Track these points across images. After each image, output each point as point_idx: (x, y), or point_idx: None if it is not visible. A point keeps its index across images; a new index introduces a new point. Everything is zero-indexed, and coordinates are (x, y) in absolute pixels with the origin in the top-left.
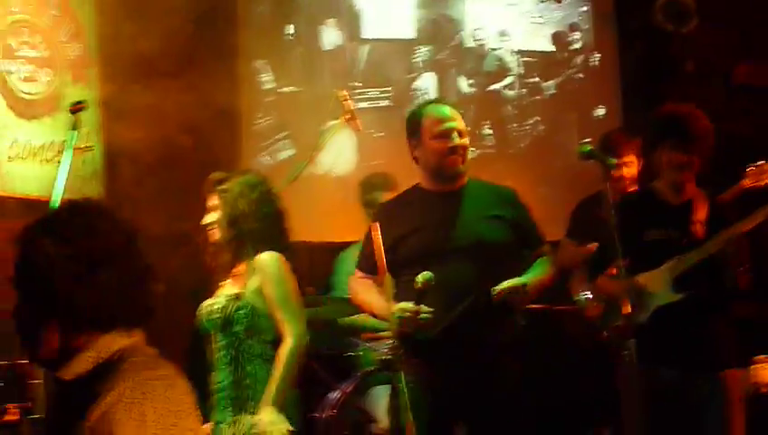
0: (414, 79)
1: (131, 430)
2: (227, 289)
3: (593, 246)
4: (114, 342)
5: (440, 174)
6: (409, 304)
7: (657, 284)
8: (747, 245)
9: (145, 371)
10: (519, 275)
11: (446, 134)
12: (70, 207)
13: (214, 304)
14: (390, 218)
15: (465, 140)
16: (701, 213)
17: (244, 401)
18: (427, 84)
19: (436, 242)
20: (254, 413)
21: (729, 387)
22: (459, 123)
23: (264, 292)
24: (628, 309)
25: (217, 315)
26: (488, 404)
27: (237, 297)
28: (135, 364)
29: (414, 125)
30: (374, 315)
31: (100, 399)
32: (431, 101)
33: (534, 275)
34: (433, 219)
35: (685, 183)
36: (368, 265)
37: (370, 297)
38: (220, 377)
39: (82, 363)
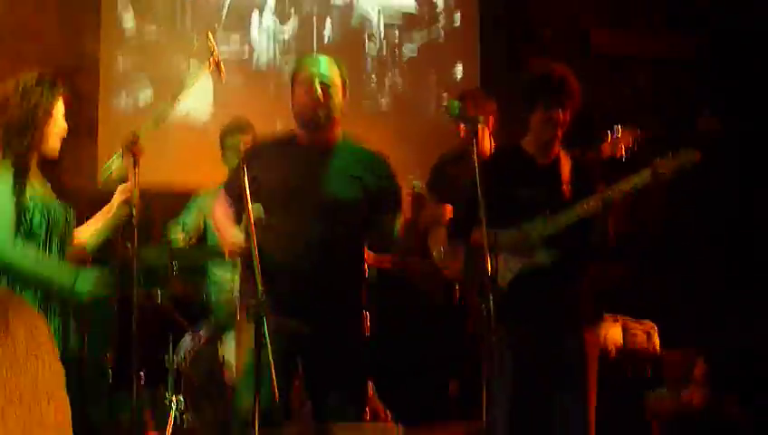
0: (275, 27)
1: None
2: None
3: (449, 207)
4: None
5: (301, 121)
6: (241, 236)
7: (526, 243)
8: (616, 206)
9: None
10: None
11: (308, 80)
12: None
13: None
14: (260, 163)
15: (331, 91)
16: (566, 172)
17: None
18: (285, 34)
19: (294, 195)
20: None
21: (588, 345)
22: (328, 73)
23: None
24: (488, 266)
25: None
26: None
27: None
28: None
29: (291, 75)
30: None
31: None
32: (310, 56)
33: None
34: (297, 173)
35: (554, 142)
36: (233, 193)
37: (222, 222)
38: None
39: None
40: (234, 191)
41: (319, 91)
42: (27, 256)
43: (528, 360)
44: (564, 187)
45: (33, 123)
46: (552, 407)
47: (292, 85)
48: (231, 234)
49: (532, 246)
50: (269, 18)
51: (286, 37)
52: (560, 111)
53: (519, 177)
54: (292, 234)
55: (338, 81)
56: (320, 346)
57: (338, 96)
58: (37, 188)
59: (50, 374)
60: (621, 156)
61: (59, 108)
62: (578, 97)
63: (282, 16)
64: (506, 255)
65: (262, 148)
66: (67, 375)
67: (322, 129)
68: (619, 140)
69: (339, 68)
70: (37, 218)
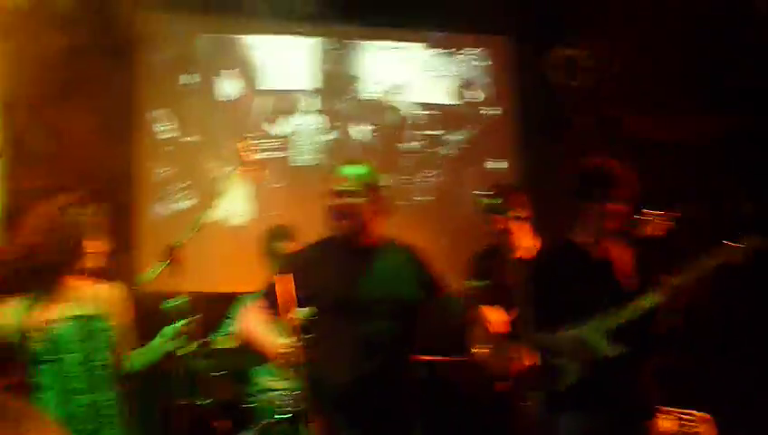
0: (312, 130)
1: None
2: None
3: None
4: None
5: (336, 229)
6: (291, 339)
7: (586, 346)
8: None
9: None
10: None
11: (336, 194)
12: None
13: None
14: (304, 268)
15: (355, 201)
16: (627, 266)
17: None
18: (323, 136)
19: (351, 296)
20: None
21: None
22: (354, 184)
23: None
24: (534, 360)
25: None
26: None
27: None
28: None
29: (329, 183)
30: (256, 348)
31: None
32: (345, 163)
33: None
34: (348, 274)
35: (607, 235)
36: (270, 307)
37: (259, 330)
38: None
39: None
40: (272, 298)
41: (340, 201)
42: None
43: None
44: (625, 280)
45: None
46: None
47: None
48: (273, 340)
49: (593, 349)
50: (306, 121)
51: (323, 139)
52: (610, 203)
53: (573, 272)
54: (347, 337)
55: (361, 186)
56: None
57: (362, 203)
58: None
59: None
60: (656, 236)
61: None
62: (631, 188)
63: (319, 119)
64: (574, 352)
65: (305, 252)
66: None
67: (357, 234)
68: (649, 221)
69: (365, 174)
70: None
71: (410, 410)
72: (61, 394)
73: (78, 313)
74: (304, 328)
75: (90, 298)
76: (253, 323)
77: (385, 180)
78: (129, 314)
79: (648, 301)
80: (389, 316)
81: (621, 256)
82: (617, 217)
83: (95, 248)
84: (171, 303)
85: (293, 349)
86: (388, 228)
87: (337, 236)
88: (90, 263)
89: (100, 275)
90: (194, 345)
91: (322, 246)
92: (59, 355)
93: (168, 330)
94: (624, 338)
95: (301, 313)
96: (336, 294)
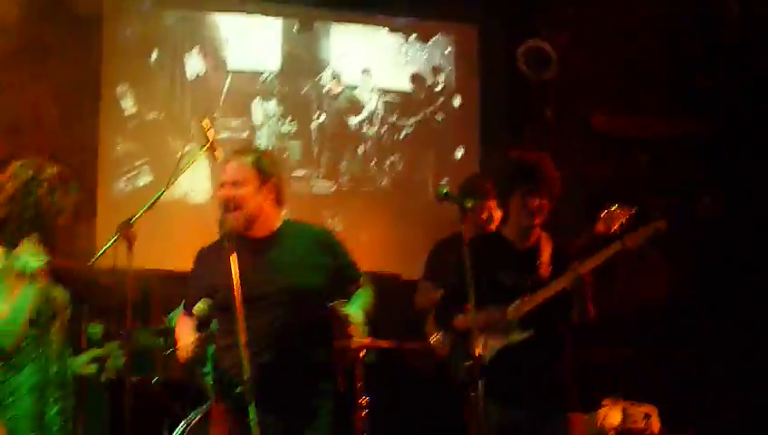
0: (273, 112)
1: None
2: None
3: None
4: None
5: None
6: (193, 334)
7: (502, 323)
8: (592, 282)
9: None
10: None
11: (222, 186)
12: None
13: None
14: (206, 263)
15: (238, 192)
16: (546, 255)
17: None
18: (283, 118)
19: (247, 290)
20: None
21: (574, 429)
22: (237, 174)
23: None
24: (478, 349)
25: None
26: None
27: None
28: None
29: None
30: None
31: None
32: (233, 150)
33: (357, 305)
34: (244, 267)
35: (533, 228)
36: (190, 301)
37: (179, 328)
38: None
39: None
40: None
41: (220, 193)
42: None
43: None
44: (543, 269)
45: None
46: None
47: None
48: (184, 338)
49: (509, 327)
50: (267, 103)
51: (284, 121)
52: (537, 199)
53: (498, 261)
54: (256, 330)
55: (245, 175)
56: None
57: (248, 193)
58: None
59: None
60: (616, 232)
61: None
62: (555, 183)
63: (280, 101)
64: (485, 335)
65: (209, 249)
66: None
67: (247, 225)
68: (612, 217)
69: (254, 162)
70: None
71: (320, 396)
72: None
73: None
74: (202, 322)
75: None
76: (180, 321)
77: (276, 165)
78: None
79: (553, 286)
80: (286, 306)
81: (544, 248)
82: (538, 211)
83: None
84: (198, 307)
85: (192, 344)
86: (347, 215)
87: (224, 227)
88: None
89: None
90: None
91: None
92: None
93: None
94: (536, 324)
95: (197, 307)
96: (229, 287)
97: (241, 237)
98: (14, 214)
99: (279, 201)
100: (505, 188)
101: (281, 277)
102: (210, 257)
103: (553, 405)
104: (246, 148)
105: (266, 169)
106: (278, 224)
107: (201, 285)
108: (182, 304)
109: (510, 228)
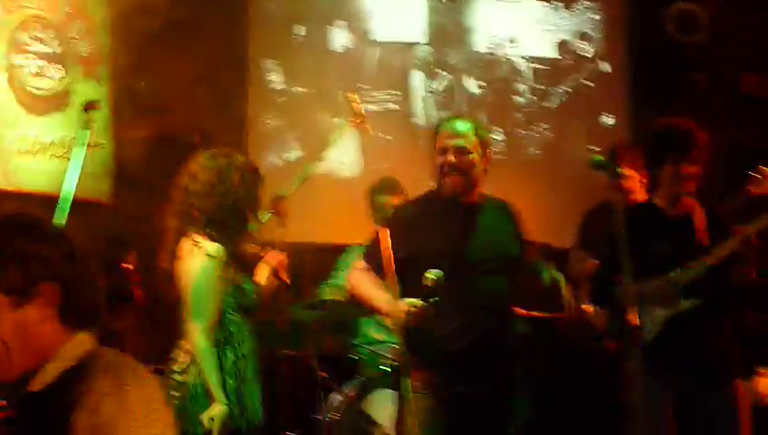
0: (423, 83)
1: (123, 422)
2: None
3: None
4: (78, 346)
5: (441, 186)
6: (418, 301)
7: (668, 294)
8: (756, 245)
9: (118, 367)
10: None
11: (444, 150)
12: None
13: None
14: (410, 224)
15: (466, 158)
16: (699, 222)
17: None
18: (433, 88)
19: (463, 255)
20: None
21: (739, 399)
22: (463, 141)
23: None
24: (635, 320)
25: None
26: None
27: None
28: (107, 363)
29: (434, 138)
30: (372, 309)
31: (83, 400)
32: (449, 118)
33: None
34: (451, 231)
35: (684, 195)
36: (374, 264)
37: (373, 291)
38: None
39: (50, 372)
40: (373, 263)
41: (450, 159)
42: None
43: (677, 414)
44: (699, 236)
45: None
46: None
47: (434, 149)
48: (386, 300)
49: (675, 296)
50: (418, 74)
51: (435, 92)
52: (685, 166)
53: (652, 231)
54: (451, 294)
55: (473, 145)
56: (480, 414)
57: (475, 159)
58: None
59: None
60: (766, 193)
61: None
62: (705, 150)
63: (430, 72)
64: (650, 307)
65: (408, 207)
66: None
67: (466, 191)
68: (765, 177)
69: (476, 130)
70: None
71: (514, 366)
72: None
73: None
74: (433, 290)
75: None
76: (363, 285)
77: (492, 135)
78: None
79: (721, 250)
80: (497, 274)
81: (697, 214)
82: (690, 178)
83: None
84: (430, 275)
85: (419, 309)
86: (498, 184)
87: (442, 192)
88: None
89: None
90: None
91: (426, 203)
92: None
93: None
94: (700, 291)
95: (432, 273)
96: (443, 252)
97: (450, 202)
98: (217, 202)
99: (487, 169)
100: (656, 155)
101: (493, 244)
102: (411, 217)
103: (721, 374)
104: (465, 115)
105: (485, 137)
106: (481, 193)
107: (412, 248)
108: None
109: (660, 196)
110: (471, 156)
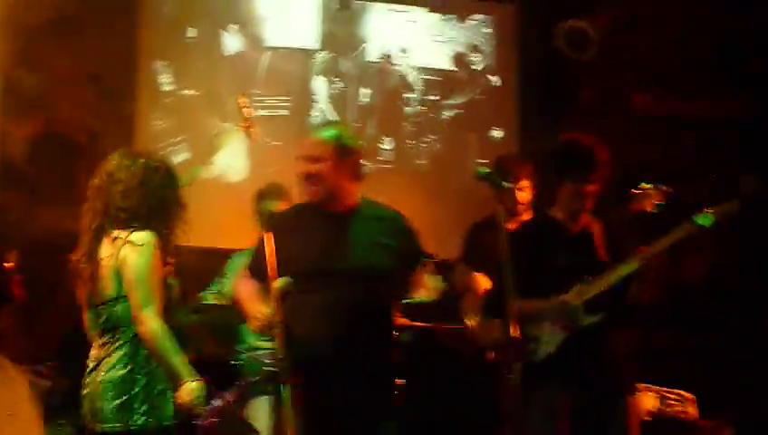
0: (313, 89)
1: None
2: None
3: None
4: None
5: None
6: (266, 308)
7: (569, 312)
8: (655, 265)
9: None
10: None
11: (302, 159)
12: None
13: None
14: (281, 231)
15: (315, 167)
16: (598, 238)
17: None
18: (324, 95)
19: (323, 264)
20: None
21: (630, 412)
22: (316, 150)
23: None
24: (516, 332)
25: None
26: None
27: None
28: None
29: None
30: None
31: None
32: (318, 125)
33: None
34: (322, 240)
35: (583, 211)
36: (257, 269)
37: (247, 298)
38: None
39: None
40: (256, 268)
41: (302, 169)
42: None
43: (569, 428)
44: (599, 252)
45: None
46: None
47: None
48: (255, 308)
49: (576, 314)
50: (310, 80)
51: (326, 99)
52: (588, 184)
53: (553, 245)
54: (320, 303)
55: (325, 152)
56: (352, 415)
57: (324, 169)
58: None
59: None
60: (650, 211)
61: None
62: (607, 168)
63: (322, 79)
64: (550, 324)
65: (282, 217)
66: None
67: (327, 200)
68: (647, 196)
69: (338, 138)
70: None
71: (387, 375)
72: None
73: None
74: (282, 296)
75: None
76: (242, 292)
77: (380, 144)
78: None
79: (624, 269)
80: (360, 284)
81: (595, 231)
82: (590, 196)
83: None
84: (277, 284)
85: (269, 316)
86: (387, 193)
87: (309, 202)
88: None
89: None
90: None
91: (298, 210)
92: None
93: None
94: (600, 308)
95: (279, 282)
96: (307, 261)
97: (319, 210)
98: (142, 201)
99: (358, 177)
100: (558, 171)
101: (357, 254)
102: (283, 226)
103: (612, 389)
104: (330, 123)
105: (348, 145)
106: (356, 201)
107: (282, 254)
108: (245, 270)
109: (560, 211)
110: (320, 165)
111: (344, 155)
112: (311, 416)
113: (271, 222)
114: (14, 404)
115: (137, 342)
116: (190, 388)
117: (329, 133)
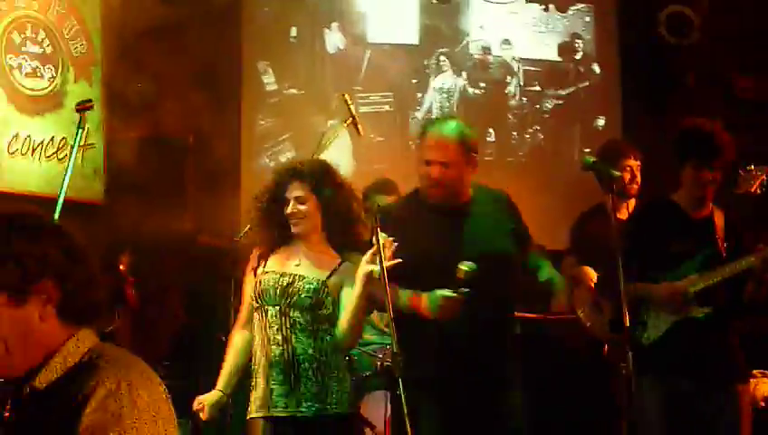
0: (416, 84)
1: (129, 419)
2: (310, 270)
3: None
4: (82, 343)
5: (425, 193)
6: (451, 292)
7: (680, 298)
8: None
9: (123, 364)
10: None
11: (429, 163)
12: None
13: (302, 283)
14: (395, 224)
15: (449, 173)
16: (719, 228)
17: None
18: (427, 90)
19: (452, 258)
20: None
21: (742, 400)
22: (447, 154)
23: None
24: (626, 321)
25: (307, 295)
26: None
27: (326, 286)
28: (112, 360)
29: (418, 140)
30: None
31: (89, 397)
32: (435, 120)
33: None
34: (439, 236)
35: (707, 198)
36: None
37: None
38: (299, 349)
39: (55, 368)
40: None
41: (436, 176)
42: None
43: (679, 415)
44: (719, 241)
45: None
46: None
47: (418, 154)
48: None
49: (687, 302)
50: (410, 75)
51: (430, 94)
52: (709, 170)
53: (673, 230)
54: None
55: (455, 154)
56: (476, 413)
57: (457, 173)
58: None
59: None
60: (757, 193)
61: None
62: (729, 153)
63: (424, 74)
64: (659, 309)
65: (391, 210)
66: None
67: (450, 198)
68: (754, 177)
69: (461, 135)
70: None
71: (510, 366)
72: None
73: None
74: (465, 282)
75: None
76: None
77: (475, 135)
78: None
79: (741, 264)
80: (486, 276)
81: (717, 220)
82: (711, 183)
83: None
84: (464, 267)
85: (453, 301)
86: (491, 185)
87: (427, 199)
88: None
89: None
90: None
91: (413, 204)
92: (263, 305)
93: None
94: (711, 300)
95: (466, 265)
96: (430, 256)
97: (437, 204)
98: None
99: (475, 168)
100: (679, 155)
101: (483, 245)
102: (399, 217)
103: (723, 377)
104: (448, 117)
105: (468, 141)
106: (471, 190)
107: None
108: None
109: (682, 196)
110: (454, 170)
111: (469, 152)
112: (437, 410)
113: (383, 216)
114: (156, 406)
115: None
116: (207, 397)
117: (453, 132)
